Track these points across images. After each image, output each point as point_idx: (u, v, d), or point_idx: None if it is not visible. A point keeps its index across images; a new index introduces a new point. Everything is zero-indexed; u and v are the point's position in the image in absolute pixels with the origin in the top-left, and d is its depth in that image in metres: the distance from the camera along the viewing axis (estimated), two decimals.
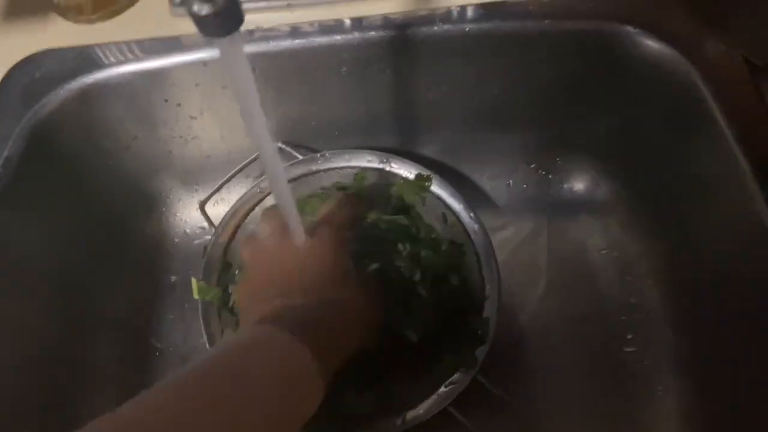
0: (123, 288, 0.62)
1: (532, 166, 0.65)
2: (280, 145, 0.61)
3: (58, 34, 0.57)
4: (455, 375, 0.51)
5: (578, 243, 0.63)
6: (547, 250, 0.63)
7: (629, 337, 0.58)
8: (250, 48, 0.54)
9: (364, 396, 0.51)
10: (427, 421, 0.50)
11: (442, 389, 0.51)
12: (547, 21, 0.51)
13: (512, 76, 0.57)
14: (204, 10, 0.26)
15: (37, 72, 0.54)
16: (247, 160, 0.60)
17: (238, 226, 0.58)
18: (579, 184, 0.65)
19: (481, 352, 0.52)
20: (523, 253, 0.63)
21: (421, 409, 0.51)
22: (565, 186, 0.65)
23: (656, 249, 0.59)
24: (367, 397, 0.51)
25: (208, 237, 0.58)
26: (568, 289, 0.61)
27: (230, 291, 0.57)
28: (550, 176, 0.65)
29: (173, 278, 0.65)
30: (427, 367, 0.53)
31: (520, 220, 0.65)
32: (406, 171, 0.59)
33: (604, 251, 0.63)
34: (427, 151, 0.66)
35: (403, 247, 0.55)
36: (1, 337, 0.48)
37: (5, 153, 0.50)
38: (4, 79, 0.54)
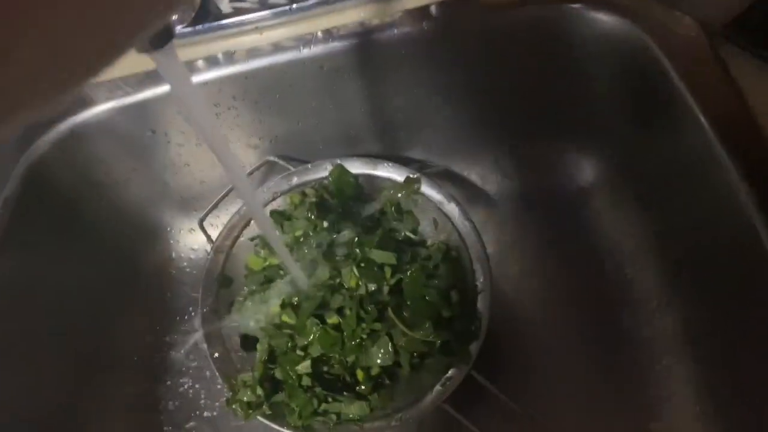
0: (135, 316, 0.65)
1: (516, 157, 0.65)
2: (271, 158, 0.63)
3: None
4: (449, 372, 0.51)
5: (569, 228, 0.62)
6: (537, 239, 0.62)
7: (624, 316, 0.57)
8: (231, 69, 0.56)
9: (359, 401, 0.52)
10: (425, 419, 0.50)
11: (438, 387, 0.51)
12: (499, 12, 0.52)
13: (480, 72, 0.57)
14: None
15: None
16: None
17: (236, 239, 0.60)
18: (564, 170, 0.64)
19: (474, 348, 0.52)
20: (514, 243, 0.62)
21: (417, 409, 0.51)
22: (551, 173, 0.65)
23: (645, 227, 0.57)
24: (362, 401, 0.52)
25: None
26: (562, 276, 0.61)
27: (234, 306, 0.59)
28: (535, 165, 0.65)
29: (181, 304, 0.67)
30: (421, 367, 0.54)
31: (510, 211, 0.64)
32: (395, 174, 0.60)
33: (595, 234, 0.62)
34: (415, 153, 0.66)
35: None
36: (11, 380, 0.50)
37: (4, 193, 0.53)
38: None
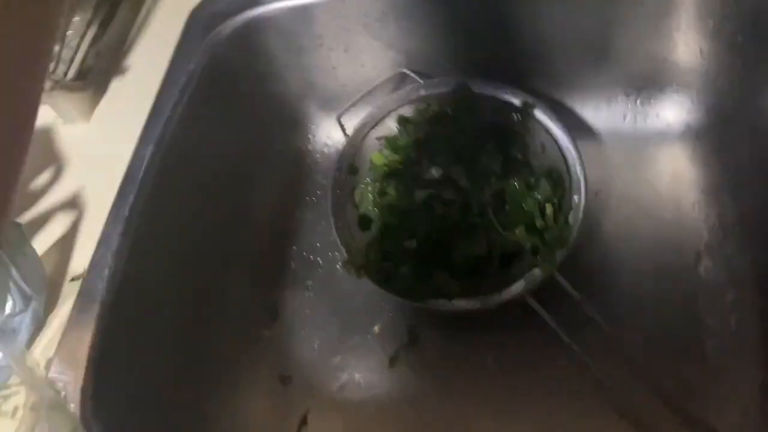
0: (269, 191, 0.77)
1: (631, 96, 0.70)
2: (404, 71, 0.71)
3: None
4: (535, 270, 0.59)
5: (666, 170, 0.67)
6: (636, 175, 0.67)
7: (704, 256, 0.62)
8: None
9: (452, 280, 0.60)
10: (506, 309, 0.58)
11: (522, 282, 0.59)
12: None
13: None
14: None
15: (214, 8, 0.69)
16: (376, 83, 0.72)
17: (365, 136, 0.70)
18: (672, 115, 0.68)
19: (560, 254, 0.59)
20: (613, 177, 0.68)
21: (500, 295, 0.59)
22: (660, 116, 0.69)
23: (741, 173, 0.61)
24: (455, 281, 0.60)
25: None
26: (652, 213, 0.66)
27: (356, 190, 0.69)
28: (646, 107, 0.69)
29: (309, 187, 0.78)
30: (509, 265, 0.62)
31: (616, 148, 0.69)
32: (513, 98, 0.67)
33: (691, 178, 0.67)
34: (536, 82, 0.72)
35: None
36: (175, 201, 0.63)
37: (191, 66, 0.65)
38: (190, 15, 0.69)
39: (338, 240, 0.64)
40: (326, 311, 0.68)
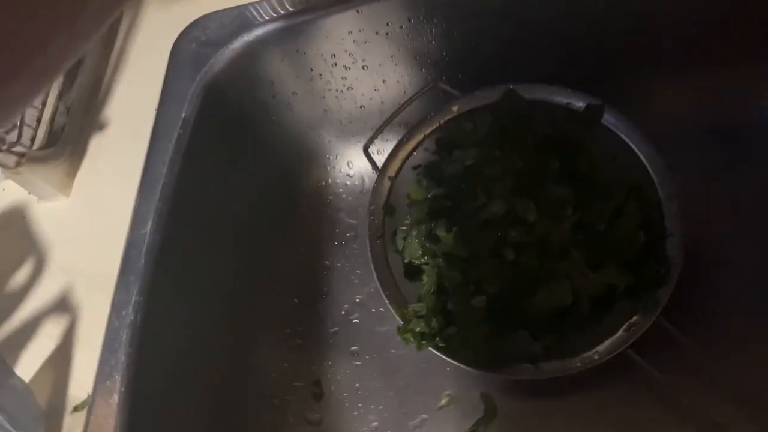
0: (292, 239, 0.66)
1: (715, 88, 0.58)
2: (438, 84, 0.60)
3: None
4: (634, 318, 0.48)
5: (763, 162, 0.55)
6: (728, 176, 0.56)
7: None
8: None
9: (534, 339, 0.50)
10: (606, 366, 0.48)
11: (620, 332, 0.48)
12: None
13: None
14: None
15: (203, 35, 0.57)
16: (407, 100, 0.59)
17: (400, 168, 0.58)
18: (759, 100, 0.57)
19: (663, 294, 0.48)
20: (702, 181, 0.56)
21: (597, 353, 0.48)
22: (749, 102, 0.57)
23: None
24: (539, 342, 0.50)
25: (368, 183, 0.59)
26: (758, 224, 0.54)
27: (396, 233, 0.58)
28: (738, 98, 0.57)
29: (337, 229, 0.67)
30: (603, 312, 0.51)
31: (698, 146, 0.58)
32: (574, 101, 0.55)
33: None
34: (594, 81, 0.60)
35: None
36: (188, 283, 0.52)
37: (183, 114, 0.53)
38: (174, 46, 0.58)
39: (388, 304, 0.53)
40: (379, 382, 0.57)
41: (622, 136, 0.54)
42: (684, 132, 0.58)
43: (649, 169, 0.53)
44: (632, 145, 0.54)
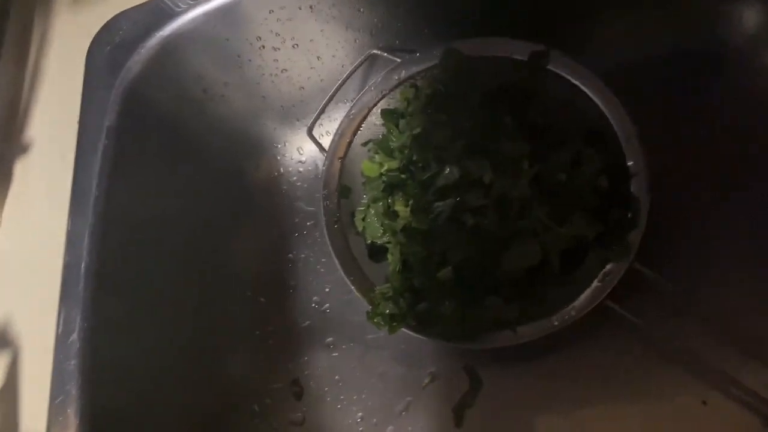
0: (249, 237, 0.63)
1: (669, 17, 0.55)
2: (374, 51, 0.57)
3: None
4: (608, 266, 0.46)
5: (728, 92, 0.53)
6: (692, 108, 0.53)
7: None
8: None
9: (509, 304, 0.48)
10: (585, 319, 0.46)
11: (596, 283, 0.46)
12: None
13: None
14: None
15: (116, 37, 0.53)
16: (344, 77, 0.57)
17: (348, 147, 0.55)
18: (717, 24, 0.54)
19: (634, 237, 0.46)
20: (662, 115, 0.54)
21: (573, 308, 0.46)
22: (701, 28, 0.54)
23: None
24: (513, 304, 0.48)
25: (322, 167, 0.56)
26: (721, 153, 0.52)
27: (354, 214, 0.56)
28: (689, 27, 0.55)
29: (296, 219, 0.64)
30: (575, 266, 0.49)
31: (652, 79, 0.55)
32: (516, 52, 0.52)
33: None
34: (533, 27, 0.57)
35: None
36: (139, 301, 0.49)
37: (106, 123, 0.50)
38: (88, 52, 0.54)
39: (352, 288, 0.51)
40: (359, 371, 0.55)
41: (572, 79, 0.51)
42: (636, 68, 0.55)
43: (605, 110, 0.50)
44: (584, 88, 0.51)
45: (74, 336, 0.43)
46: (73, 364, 0.42)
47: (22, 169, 0.53)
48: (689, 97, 0.54)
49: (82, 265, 0.45)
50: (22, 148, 0.54)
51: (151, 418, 0.48)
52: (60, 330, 0.43)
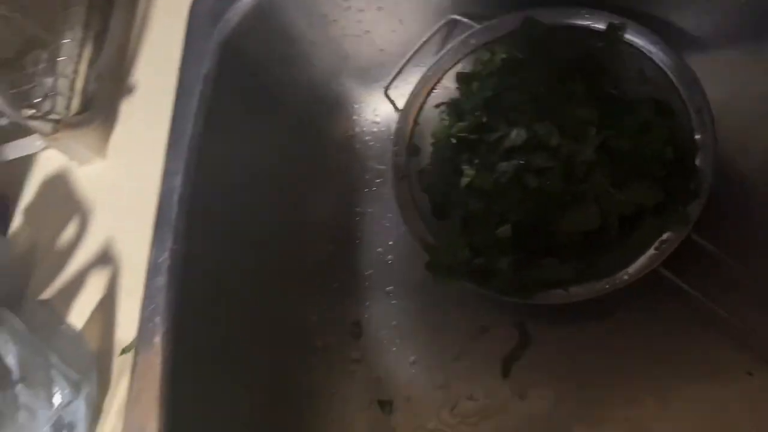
0: (323, 189, 0.67)
1: None
2: (453, 17, 0.59)
3: None
4: (665, 235, 0.47)
5: None
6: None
7: None
8: None
9: (564, 264, 0.50)
10: (638, 285, 0.47)
11: (651, 251, 0.47)
12: None
13: None
14: None
15: None
16: (423, 40, 0.59)
17: (421, 107, 0.58)
18: None
19: (694, 208, 0.47)
20: (737, 93, 0.53)
21: (627, 273, 0.47)
22: None
23: None
24: (567, 265, 0.49)
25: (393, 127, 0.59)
26: None
27: (422, 172, 0.58)
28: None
29: (367, 176, 0.67)
30: (632, 231, 0.50)
31: (730, 58, 0.55)
32: (594, 22, 0.54)
33: None
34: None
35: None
36: (221, 231, 0.54)
37: (203, 71, 0.55)
38: (192, 2, 0.59)
39: (414, 241, 0.54)
40: (415, 320, 0.58)
41: (647, 51, 0.52)
42: (711, 43, 0.55)
43: (676, 82, 0.51)
44: (657, 61, 0.52)
45: (165, 255, 0.48)
46: (162, 280, 0.47)
47: (126, 108, 0.60)
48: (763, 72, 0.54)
49: (175, 196, 0.50)
50: (128, 90, 0.60)
51: (221, 335, 0.52)
52: (153, 250, 0.49)
